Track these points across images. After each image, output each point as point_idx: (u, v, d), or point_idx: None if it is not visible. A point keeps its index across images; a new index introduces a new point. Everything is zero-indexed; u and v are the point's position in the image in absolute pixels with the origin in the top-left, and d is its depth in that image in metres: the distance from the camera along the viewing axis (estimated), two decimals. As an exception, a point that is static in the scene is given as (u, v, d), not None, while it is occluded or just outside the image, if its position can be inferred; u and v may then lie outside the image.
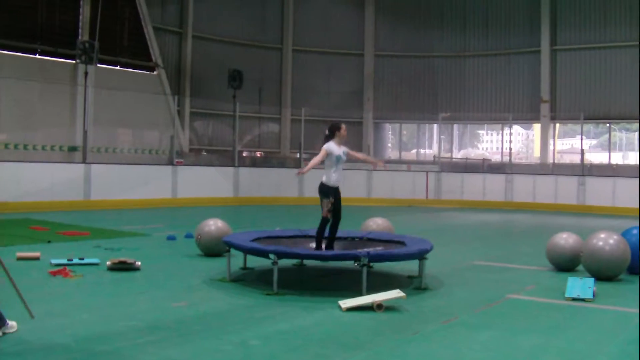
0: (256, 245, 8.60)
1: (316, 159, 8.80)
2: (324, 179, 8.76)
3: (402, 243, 9.26)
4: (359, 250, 8.15)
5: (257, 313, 6.99)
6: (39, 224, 14.62)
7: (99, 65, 22.69)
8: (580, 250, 9.50)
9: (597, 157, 31.21)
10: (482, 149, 37.32)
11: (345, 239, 9.67)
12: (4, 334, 5.75)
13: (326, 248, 8.89)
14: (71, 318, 6.55)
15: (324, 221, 8.76)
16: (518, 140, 35.47)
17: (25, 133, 21.72)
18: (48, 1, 22.90)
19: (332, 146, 8.76)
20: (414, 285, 8.58)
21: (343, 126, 8.90)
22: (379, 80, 31.59)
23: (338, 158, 8.73)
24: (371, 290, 7.61)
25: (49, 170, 19.68)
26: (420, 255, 8.46)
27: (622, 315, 7.17)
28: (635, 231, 9.62)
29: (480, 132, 37.24)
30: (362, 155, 8.85)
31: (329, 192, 8.72)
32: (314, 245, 8.99)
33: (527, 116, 29.88)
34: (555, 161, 29.50)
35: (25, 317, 5.98)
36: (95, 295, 7.70)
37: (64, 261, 9.41)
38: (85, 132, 21.27)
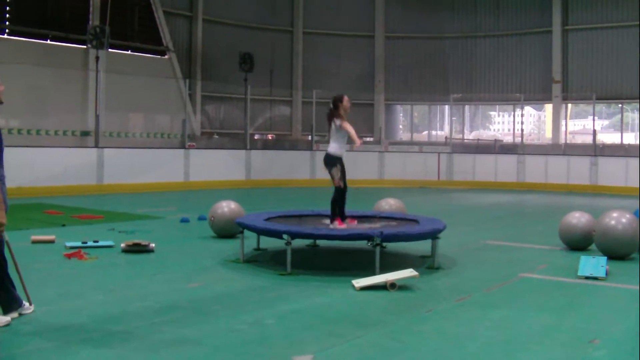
0: (269, 226, 8.60)
1: (352, 130, 8.76)
2: (332, 150, 8.83)
3: (415, 221, 9.28)
4: (372, 230, 8.15)
5: (271, 293, 7.04)
6: (53, 208, 14.71)
7: (110, 50, 22.68)
8: (592, 229, 9.49)
9: (609, 138, 31.02)
10: (494, 130, 37.20)
11: (358, 217, 9.69)
12: (20, 314, 5.81)
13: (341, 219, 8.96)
14: (87, 299, 6.62)
15: (338, 191, 8.87)
16: (530, 121, 35.28)
17: (38, 118, 21.86)
18: (59, -14, 22.99)
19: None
20: (426, 264, 8.60)
21: (345, 97, 8.88)
22: (390, 62, 31.50)
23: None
24: (384, 269, 7.64)
25: (62, 155, 19.78)
26: (433, 235, 8.47)
27: (635, 293, 7.16)
28: (648, 210, 9.62)
29: (492, 113, 37.14)
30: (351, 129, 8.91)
31: (336, 161, 8.81)
32: (328, 221, 9.04)
33: (538, 97, 29.76)
34: (567, 142, 29.37)
35: (40, 299, 6.04)
36: (111, 277, 7.77)
37: (79, 244, 9.49)
38: (97, 117, 21.33)
